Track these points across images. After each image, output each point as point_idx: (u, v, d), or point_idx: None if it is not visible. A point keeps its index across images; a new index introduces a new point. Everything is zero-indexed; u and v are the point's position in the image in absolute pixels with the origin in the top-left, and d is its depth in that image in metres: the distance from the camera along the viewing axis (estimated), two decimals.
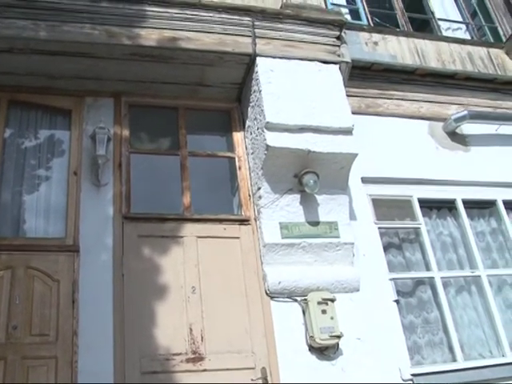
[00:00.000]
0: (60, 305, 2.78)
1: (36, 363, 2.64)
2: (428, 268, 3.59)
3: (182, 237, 3.14)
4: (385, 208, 3.68)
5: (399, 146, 3.87)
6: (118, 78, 3.34)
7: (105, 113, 3.36)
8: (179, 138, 3.51)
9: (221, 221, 3.27)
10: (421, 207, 3.75)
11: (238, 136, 3.62)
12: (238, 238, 3.25)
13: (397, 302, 3.32)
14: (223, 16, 3.33)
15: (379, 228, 3.59)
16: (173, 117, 3.56)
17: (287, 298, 3.08)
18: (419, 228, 3.70)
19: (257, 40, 3.35)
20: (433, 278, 3.54)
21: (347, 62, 3.54)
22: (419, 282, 3.56)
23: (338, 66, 3.50)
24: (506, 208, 3.93)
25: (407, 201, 3.77)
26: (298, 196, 3.25)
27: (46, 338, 2.71)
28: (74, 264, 2.89)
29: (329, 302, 3.04)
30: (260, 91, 3.28)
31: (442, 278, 3.56)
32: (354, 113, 3.48)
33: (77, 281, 2.84)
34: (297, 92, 3.32)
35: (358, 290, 3.19)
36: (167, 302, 2.93)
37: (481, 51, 4.47)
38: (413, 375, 3.14)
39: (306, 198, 3.26)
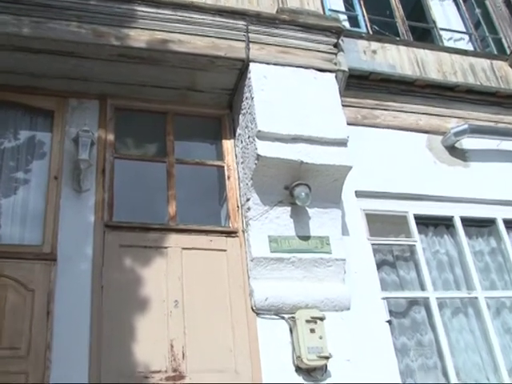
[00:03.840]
0: (34, 316, 2.80)
1: (3, 379, 2.65)
2: (423, 288, 3.67)
3: (165, 248, 3.22)
4: (379, 224, 3.79)
5: (396, 159, 4.00)
6: (105, 79, 3.42)
7: (89, 115, 3.43)
8: (166, 144, 3.60)
9: (207, 232, 3.35)
10: (417, 224, 3.86)
11: (227, 144, 3.72)
12: (224, 250, 3.32)
13: (389, 322, 3.41)
14: (217, 19, 3.45)
15: (372, 244, 3.69)
16: (161, 122, 3.66)
17: (274, 314, 3.16)
18: (414, 245, 3.80)
19: (251, 45, 3.45)
20: (427, 298, 3.62)
21: (344, 71, 3.66)
22: (413, 303, 3.64)
23: (334, 74, 3.62)
24: (506, 227, 4.03)
25: (403, 216, 3.88)
26: (288, 208, 3.34)
27: (17, 352, 2.71)
28: (51, 273, 2.92)
29: (318, 321, 3.12)
30: (252, 98, 3.38)
31: (437, 298, 3.63)
32: (349, 124, 3.60)
33: (53, 291, 2.87)
34: (290, 100, 3.42)
35: (348, 309, 3.28)
36: (148, 316, 2.99)
37: (484, 63, 4.62)
38: None
39: (296, 211, 3.35)
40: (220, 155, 3.71)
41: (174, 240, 3.26)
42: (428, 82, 4.30)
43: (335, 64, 3.64)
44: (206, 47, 3.38)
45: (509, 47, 4.93)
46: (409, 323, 3.57)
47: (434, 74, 4.37)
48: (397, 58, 4.37)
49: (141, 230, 3.22)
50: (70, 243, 3.05)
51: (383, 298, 3.50)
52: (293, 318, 3.14)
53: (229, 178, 3.63)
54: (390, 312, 3.51)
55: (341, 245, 3.40)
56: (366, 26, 4.55)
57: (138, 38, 3.26)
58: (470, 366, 3.52)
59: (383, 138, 4.08)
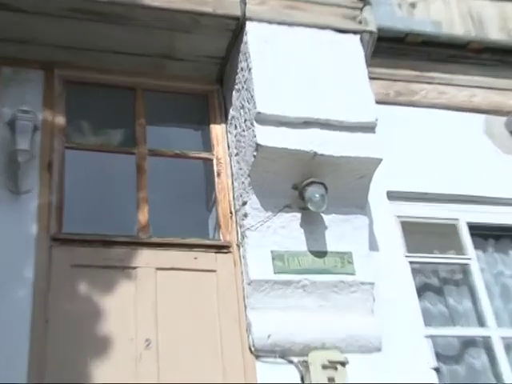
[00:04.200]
0: None
1: None
2: (482, 323, 3.72)
3: (134, 268, 3.29)
4: (420, 235, 3.85)
5: (441, 149, 4.07)
6: (52, 42, 3.46)
7: (30, 90, 3.46)
8: (136, 129, 3.67)
9: (190, 247, 3.42)
10: (471, 235, 3.93)
11: (217, 130, 3.81)
12: (213, 271, 3.40)
13: (436, 370, 3.42)
14: None
15: (411, 263, 3.75)
16: (128, 100, 3.73)
17: (280, 357, 3.19)
18: (468, 265, 3.87)
19: None
20: (489, 337, 3.66)
21: (371, 32, 3.71)
22: (469, 343, 3.68)
23: (358, 36, 3.67)
24: None
25: (452, 226, 3.95)
26: (297, 215, 3.41)
27: None
28: None
29: (338, 366, 3.15)
30: (250, 69, 3.45)
31: (502, 338, 3.66)
32: (378, 102, 3.65)
33: None
34: (300, 72, 3.49)
35: (379, 350, 3.33)
36: (110, 360, 3.01)
37: None
38: None
39: (309, 219, 3.42)
40: (207, 145, 3.78)
41: (145, 258, 3.32)
42: (487, 45, 4.34)
43: (360, 23, 3.70)
44: (188, 1, 3.44)
45: None
46: (464, 371, 3.60)
47: (494, 34, 4.40)
48: (443, 13, 4.42)
49: (100, 245, 3.28)
50: (4, 262, 3.05)
51: (427, 337, 3.53)
52: (305, 362, 3.17)
53: (219, 174, 3.71)
54: (437, 355, 3.53)
55: (368, 263, 3.45)
56: None
57: None
58: None
59: (424, 120, 4.14)
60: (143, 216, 3.46)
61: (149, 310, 3.21)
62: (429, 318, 3.67)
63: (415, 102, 4.19)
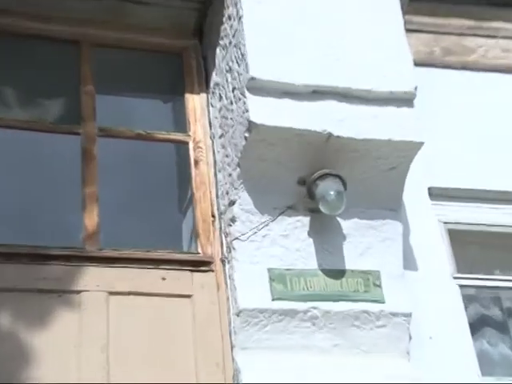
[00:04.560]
0: None
1: None
2: None
3: (78, 292, 3.29)
4: (474, 248, 3.89)
5: (506, 130, 4.09)
6: None
7: None
8: (81, 100, 3.69)
9: (156, 263, 3.44)
10: None
11: (195, 102, 3.82)
12: (188, 296, 3.42)
13: None
14: None
15: (462, 287, 3.76)
16: (69, 59, 3.75)
17: None
18: None
19: None
20: None
21: None
22: None
23: None
24: None
25: None
26: (305, 220, 3.42)
27: None
28: None
29: None
30: (240, 18, 3.45)
31: None
32: (419, 64, 3.68)
33: None
34: (310, 22, 3.50)
35: None
36: None
37: None
38: None
39: (320, 225, 3.43)
40: (181, 122, 3.80)
41: (93, 278, 3.33)
42: None
43: None
44: None
45: None
46: None
47: None
48: None
49: (30, 260, 3.29)
50: None
51: None
52: None
53: (197, 163, 3.72)
54: None
55: (402, 287, 3.45)
56: None
57: None
58: None
59: (483, 89, 4.15)
60: (91, 220, 3.46)
61: (97, 351, 3.20)
62: (488, 364, 3.68)
63: (470, 63, 4.21)
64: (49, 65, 3.81)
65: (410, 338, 3.43)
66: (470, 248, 3.93)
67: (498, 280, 3.93)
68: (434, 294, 3.64)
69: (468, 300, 3.78)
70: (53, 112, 3.79)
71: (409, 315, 3.40)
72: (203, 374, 3.26)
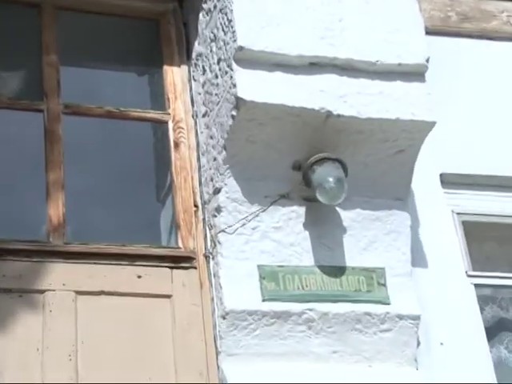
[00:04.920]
0: None
1: None
2: None
3: (42, 292, 3.31)
4: (492, 242, 3.95)
5: None
6: None
7: None
8: (43, 73, 3.68)
9: (131, 259, 3.46)
10: None
11: (174, 76, 3.84)
12: (167, 296, 3.44)
13: None
14: None
15: (477, 286, 3.80)
16: (29, 25, 3.74)
17: None
18: None
19: None
20: None
21: None
22: None
23: None
24: None
25: None
26: (300, 210, 3.45)
27: None
28: None
29: None
30: None
31: None
32: (432, 32, 3.74)
33: None
34: None
35: None
36: None
37: None
38: None
39: (318, 216, 3.46)
40: (158, 99, 3.81)
41: (59, 276, 3.34)
42: None
43: None
44: None
45: None
46: None
47: None
48: None
49: None
50: None
51: None
52: None
53: (177, 145, 3.74)
54: None
55: (410, 287, 3.49)
56: None
57: None
58: None
59: (504, 60, 4.19)
60: (56, 210, 3.46)
61: (64, 358, 3.21)
62: (505, 374, 3.72)
63: (490, 31, 4.23)
64: (5, 32, 3.79)
65: (419, 343, 3.47)
66: (487, 242, 3.99)
67: None
68: (445, 294, 3.68)
69: (484, 301, 3.84)
70: (11, 86, 3.79)
71: (417, 318, 3.44)
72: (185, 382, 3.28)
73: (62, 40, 3.76)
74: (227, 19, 3.42)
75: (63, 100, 3.66)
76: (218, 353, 3.33)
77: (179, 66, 3.86)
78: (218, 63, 3.50)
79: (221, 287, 3.35)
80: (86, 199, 3.65)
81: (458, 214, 3.91)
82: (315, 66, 3.42)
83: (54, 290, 3.32)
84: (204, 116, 3.66)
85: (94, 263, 3.42)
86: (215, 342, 3.35)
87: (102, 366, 3.25)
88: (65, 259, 3.38)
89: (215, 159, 3.50)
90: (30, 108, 3.68)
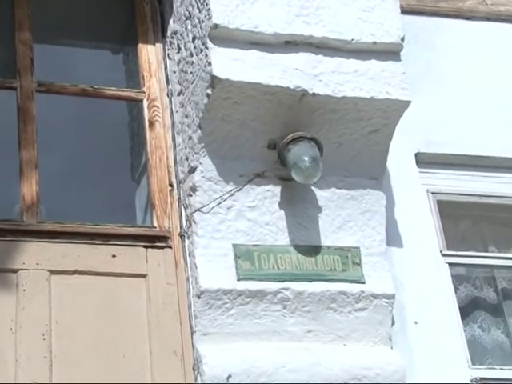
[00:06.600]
0: None
1: None
2: None
3: (15, 271, 3.31)
4: (466, 221, 3.98)
5: (507, 87, 4.14)
6: None
7: None
8: (16, 50, 3.66)
9: (105, 238, 3.47)
10: None
11: (149, 54, 3.82)
12: (142, 276, 3.45)
13: None
14: None
15: (452, 265, 3.83)
16: (2, 2, 3.69)
17: None
18: None
19: None
20: None
21: None
22: None
23: None
24: None
25: None
26: (276, 189, 3.47)
27: None
28: None
29: None
30: None
31: None
32: (407, 11, 3.70)
33: None
34: None
35: None
36: None
37: None
38: None
39: (293, 195, 3.47)
40: (133, 77, 3.79)
41: (32, 255, 3.35)
42: None
43: None
44: None
45: None
46: None
47: None
48: None
49: None
50: None
51: (475, 382, 3.62)
52: None
53: (152, 124, 3.74)
54: None
55: (385, 266, 3.51)
56: None
57: None
58: None
59: (481, 40, 4.19)
60: (30, 189, 3.45)
61: (38, 337, 3.22)
62: (479, 353, 3.77)
63: (466, 10, 4.23)
64: None
65: (393, 322, 3.50)
66: (462, 221, 4.03)
67: (493, 258, 4.02)
68: (420, 274, 3.71)
69: (458, 280, 3.87)
70: None
71: (392, 297, 3.46)
72: (159, 364, 3.30)
73: (35, 17, 3.74)
74: None
75: (37, 78, 3.65)
76: (192, 332, 3.34)
77: (154, 43, 3.85)
78: (193, 41, 3.49)
79: (196, 266, 3.36)
80: (60, 178, 3.65)
81: (433, 193, 3.93)
82: (290, 44, 3.43)
83: (27, 270, 3.32)
84: (179, 94, 3.65)
85: (68, 242, 3.42)
86: (190, 321, 3.36)
87: (76, 346, 3.26)
88: (38, 238, 3.38)
89: (190, 138, 3.49)
90: (3, 86, 3.66)
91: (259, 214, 3.44)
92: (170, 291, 3.44)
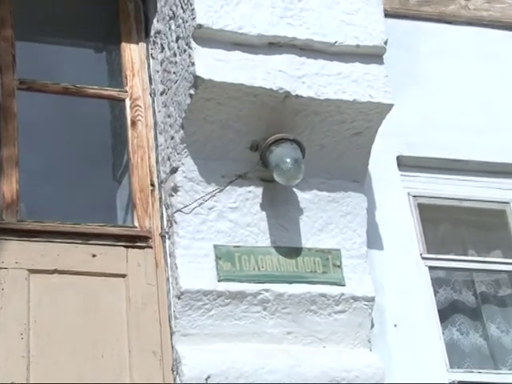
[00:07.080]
0: None
1: None
2: None
3: None
4: (446, 225, 4.00)
5: (489, 91, 4.17)
6: None
7: None
8: None
9: (85, 237, 3.47)
10: None
11: (132, 53, 3.82)
12: (121, 276, 3.46)
13: None
14: None
15: (431, 268, 3.86)
16: None
17: None
18: None
19: None
20: None
21: None
22: None
23: None
24: None
25: (499, 212, 4.11)
26: (257, 191, 3.48)
27: None
28: None
29: None
30: None
31: None
32: (390, 14, 3.73)
33: None
34: None
35: None
36: None
37: None
38: None
39: (275, 197, 3.49)
40: (116, 76, 3.79)
41: (11, 254, 3.34)
42: None
43: None
44: None
45: None
46: None
47: None
48: None
49: None
50: None
51: None
52: None
53: (134, 124, 3.73)
54: None
55: (365, 268, 3.53)
56: None
57: None
58: None
59: (464, 44, 4.22)
60: (10, 187, 3.45)
61: (15, 337, 3.22)
62: (457, 356, 3.80)
63: (448, 14, 4.26)
64: None
65: (373, 325, 3.52)
66: (442, 225, 4.05)
67: (472, 261, 4.04)
68: (400, 277, 3.73)
69: (438, 283, 3.90)
70: None
71: (371, 300, 3.48)
72: (138, 364, 3.30)
73: (17, 14, 3.71)
74: None
75: (18, 75, 3.63)
76: (172, 333, 3.35)
77: (137, 43, 3.85)
78: (177, 41, 3.49)
79: (176, 267, 3.37)
80: (41, 177, 3.63)
81: (414, 196, 3.96)
82: (274, 45, 3.43)
83: (6, 268, 3.31)
84: (162, 94, 3.65)
85: (48, 241, 3.41)
86: (170, 321, 3.37)
87: (55, 345, 3.25)
88: (18, 237, 3.37)
89: (172, 138, 3.49)
90: None
91: (240, 215, 3.44)
92: (149, 291, 3.44)
